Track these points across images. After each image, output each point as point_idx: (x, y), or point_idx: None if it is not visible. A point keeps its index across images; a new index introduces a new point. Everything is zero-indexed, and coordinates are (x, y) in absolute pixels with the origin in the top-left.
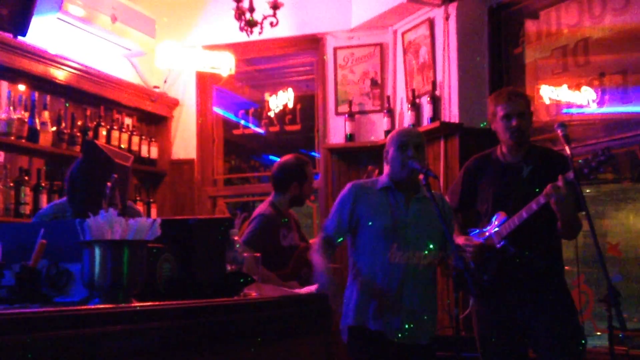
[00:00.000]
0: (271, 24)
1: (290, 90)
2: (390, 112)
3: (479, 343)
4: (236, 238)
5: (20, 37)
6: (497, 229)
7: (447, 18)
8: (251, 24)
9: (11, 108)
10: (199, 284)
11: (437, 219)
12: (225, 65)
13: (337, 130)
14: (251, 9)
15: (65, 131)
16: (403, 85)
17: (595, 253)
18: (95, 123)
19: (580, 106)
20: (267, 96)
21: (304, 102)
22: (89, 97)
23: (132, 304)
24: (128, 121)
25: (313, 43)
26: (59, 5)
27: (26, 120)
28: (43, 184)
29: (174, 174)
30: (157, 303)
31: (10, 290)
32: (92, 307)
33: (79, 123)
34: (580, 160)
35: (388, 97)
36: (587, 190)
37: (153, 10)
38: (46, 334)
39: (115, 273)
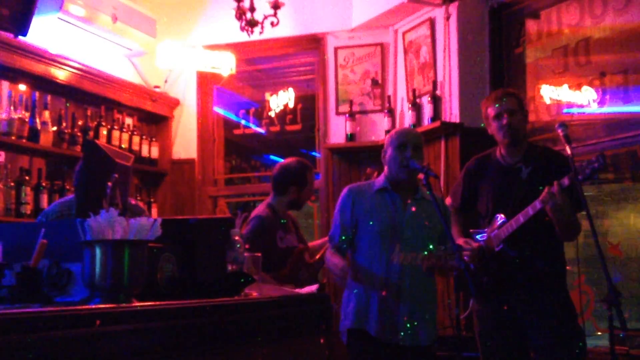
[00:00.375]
0: (272, 24)
1: (290, 90)
2: (391, 112)
3: (479, 343)
4: (237, 238)
5: (21, 37)
6: (496, 231)
7: (447, 18)
8: (252, 23)
9: (12, 108)
10: (200, 284)
11: (435, 220)
12: (225, 65)
13: (337, 130)
14: (252, 9)
15: (66, 131)
16: (404, 85)
17: (596, 253)
18: (95, 123)
19: (581, 106)
20: (267, 96)
21: (304, 102)
22: (90, 97)
23: (133, 304)
24: (129, 121)
25: (314, 43)
26: (60, 5)
27: (27, 120)
28: (44, 184)
29: (175, 173)
30: (157, 303)
31: (11, 290)
32: (93, 307)
33: (80, 123)
34: (575, 166)
35: (389, 97)
36: (588, 191)
37: (154, 10)
38: (47, 334)
39: (116, 273)
